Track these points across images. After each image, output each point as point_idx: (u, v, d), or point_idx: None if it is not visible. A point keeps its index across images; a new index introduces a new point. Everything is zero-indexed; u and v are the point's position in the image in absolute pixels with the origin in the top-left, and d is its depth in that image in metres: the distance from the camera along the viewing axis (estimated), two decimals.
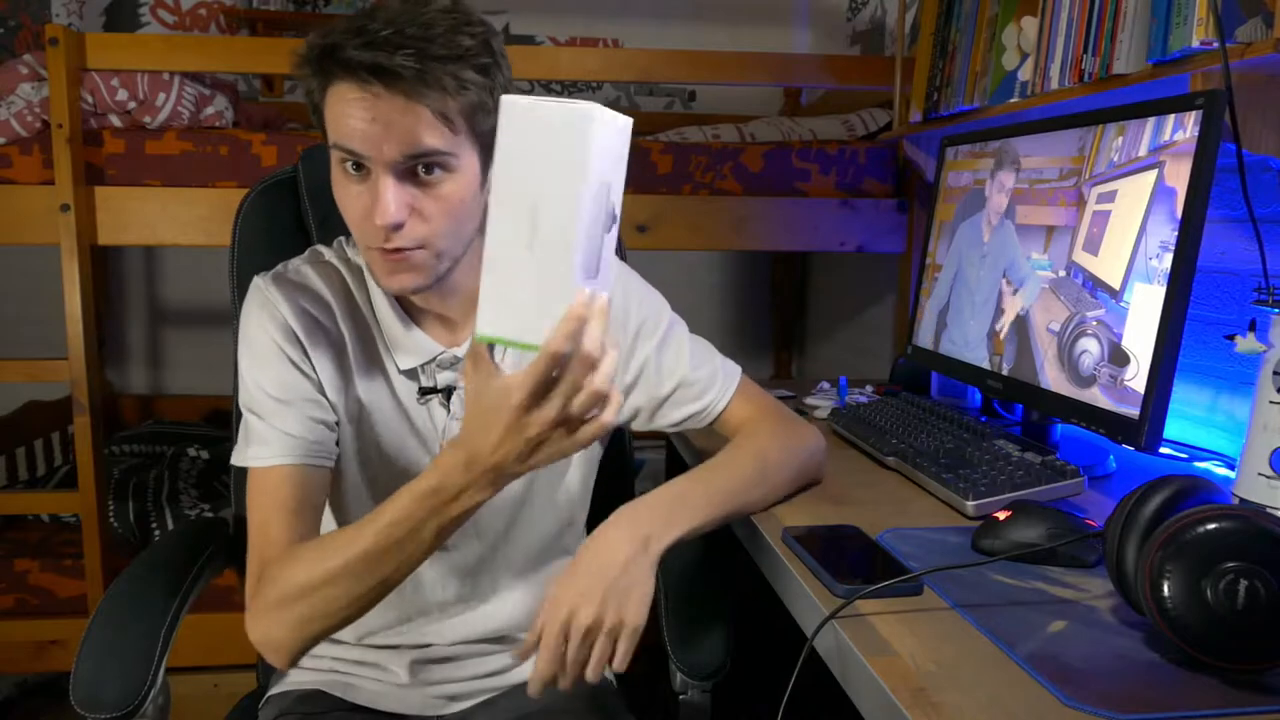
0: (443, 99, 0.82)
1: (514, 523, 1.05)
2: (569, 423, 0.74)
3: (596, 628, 0.81)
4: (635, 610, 0.82)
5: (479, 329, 0.71)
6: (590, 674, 0.82)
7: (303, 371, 0.95)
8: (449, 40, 0.82)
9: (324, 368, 0.96)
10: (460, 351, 0.99)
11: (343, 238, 1.05)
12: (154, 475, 2.19)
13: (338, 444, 0.98)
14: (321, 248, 1.04)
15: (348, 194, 0.88)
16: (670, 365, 1.06)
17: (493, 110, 0.85)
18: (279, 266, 1.01)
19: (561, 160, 0.66)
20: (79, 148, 1.78)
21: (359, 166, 0.86)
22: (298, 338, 0.95)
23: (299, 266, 1.00)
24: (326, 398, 0.96)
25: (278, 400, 0.93)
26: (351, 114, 0.83)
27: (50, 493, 2.24)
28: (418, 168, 0.85)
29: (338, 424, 0.98)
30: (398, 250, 0.87)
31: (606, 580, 0.82)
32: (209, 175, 1.84)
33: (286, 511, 0.90)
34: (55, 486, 2.32)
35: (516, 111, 0.67)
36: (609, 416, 0.75)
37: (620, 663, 0.82)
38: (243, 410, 0.97)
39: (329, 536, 0.87)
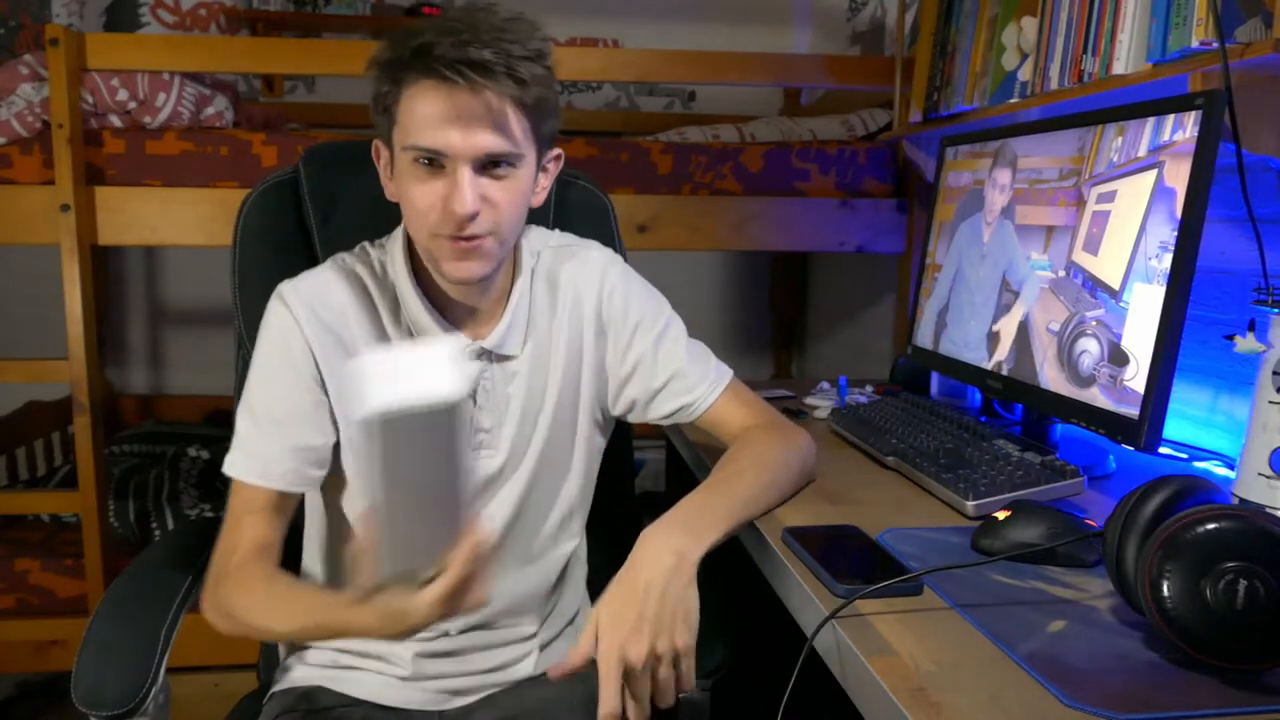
0: (523, 91, 0.91)
1: (518, 515, 1.08)
2: None
3: (652, 659, 0.83)
4: (683, 633, 0.85)
5: (383, 574, 0.76)
6: (661, 702, 0.85)
7: (309, 390, 0.99)
8: (525, 41, 0.91)
9: (334, 378, 1.00)
10: (487, 344, 1.03)
11: (366, 242, 1.08)
12: (154, 475, 2.19)
13: (341, 458, 1.03)
14: (345, 255, 1.07)
15: (416, 186, 0.93)
16: (666, 358, 1.09)
17: (553, 111, 0.97)
18: (302, 275, 1.03)
19: (436, 445, 0.71)
20: (79, 148, 1.78)
21: (431, 162, 0.92)
22: (312, 352, 0.99)
23: (321, 273, 1.04)
24: (333, 413, 1.00)
25: (272, 420, 0.98)
26: (435, 112, 0.89)
27: (50, 493, 2.24)
28: (491, 163, 0.92)
29: (337, 445, 1.02)
30: (470, 238, 0.93)
31: (650, 610, 0.83)
32: (209, 175, 1.84)
33: (255, 526, 0.98)
34: (55, 486, 2.32)
35: (382, 423, 0.68)
36: None
37: (685, 683, 0.85)
38: (238, 412, 1.01)
39: (279, 594, 0.93)
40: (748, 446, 1.05)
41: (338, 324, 1.01)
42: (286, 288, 1.01)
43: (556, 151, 1.03)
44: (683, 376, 1.09)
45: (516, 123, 0.92)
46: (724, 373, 1.13)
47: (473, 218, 0.91)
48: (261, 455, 0.99)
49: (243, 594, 0.93)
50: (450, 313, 1.03)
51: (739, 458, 1.02)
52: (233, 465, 1.00)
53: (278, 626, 0.95)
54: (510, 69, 0.89)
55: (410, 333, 1.03)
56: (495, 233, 0.94)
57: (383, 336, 1.03)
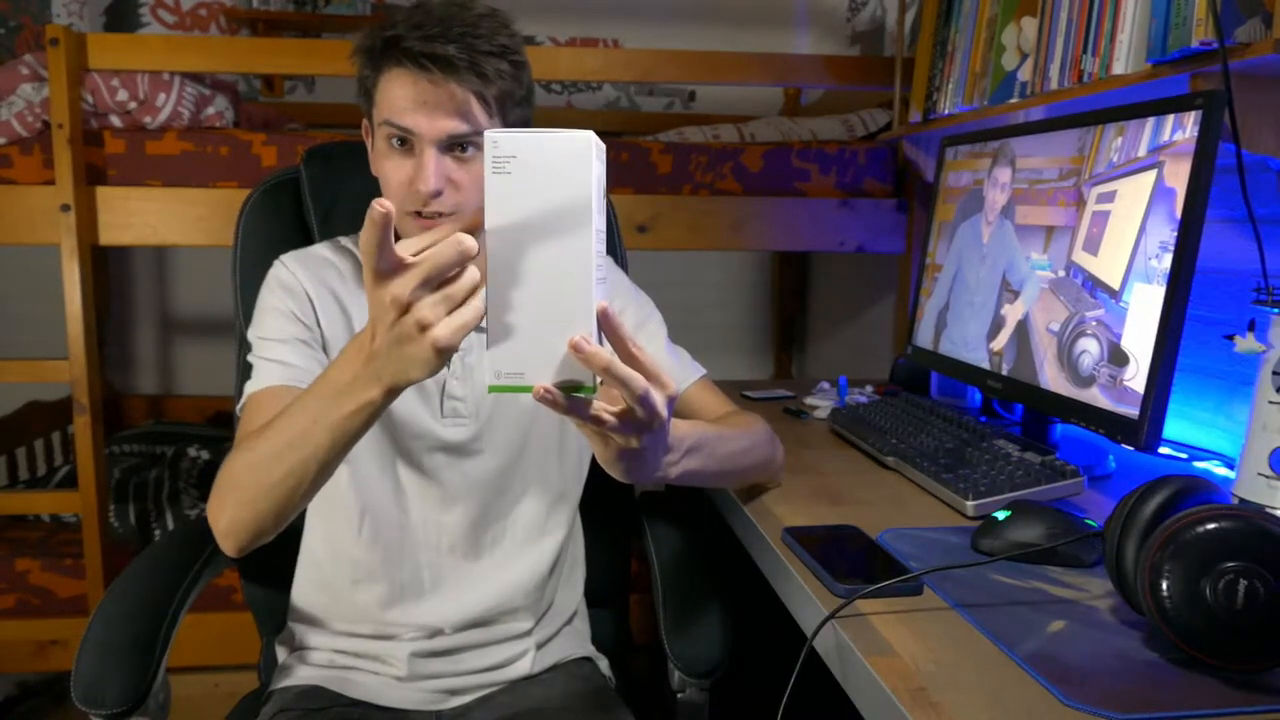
0: (484, 84, 0.95)
1: (498, 493, 1.10)
2: (422, 315, 0.71)
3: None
4: None
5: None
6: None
7: (307, 327, 1.05)
8: (491, 38, 0.96)
9: (331, 328, 1.06)
10: None
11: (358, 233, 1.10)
12: (154, 475, 2.19)
13: None
14: (341, 238, 1.15)
15: (390, 165, 0.98)
16: (644, 342, 1.09)
17: (520, 101, 1.01)
18: (300, 249, 1.12)
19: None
20: (79, 148, 1.78)
21: (403, 142, 0.97)
22: (310, 302, 1.06)
23: (317, 248, 1.13)
24: (327, 354, 1.06)
25: (277, 340, 1.03)
26: (406, 95, 0.95)
27: (50, 493, 2.24)
28: (455, 145, 0.96)
29: None
30: (432, 216, 0.97)
31: None
32: (209, 175, 1.84)
33: (262, 419, 0.94)
34: (55, 486, 2.32)
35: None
36: (464, 317, 0.71)
37: None
38: (251, 342, 1.05)
39: (263, 431, 0.87)
40: (739, 418, 1.07)
41: (333, 281, 1.08)
42: (284, 256, 1.10)
43: None
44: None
45: (480, 110, 0.96)
46: (698, 369, 1.16)
47: (436, 195, 0.96)
48: (267, 366, 1.01)
49: (234, 455, 0.88)
50: None
51: (732, 425, 1.04)
52: (256, 379, 1.00)
53: (270, 440, 0.84)
54: (474, 64, 0.94)
55: None
56: (457, 213, 0.97)
57: None
